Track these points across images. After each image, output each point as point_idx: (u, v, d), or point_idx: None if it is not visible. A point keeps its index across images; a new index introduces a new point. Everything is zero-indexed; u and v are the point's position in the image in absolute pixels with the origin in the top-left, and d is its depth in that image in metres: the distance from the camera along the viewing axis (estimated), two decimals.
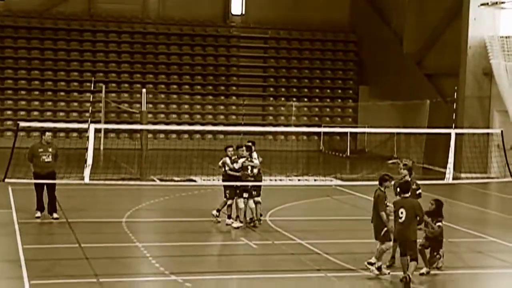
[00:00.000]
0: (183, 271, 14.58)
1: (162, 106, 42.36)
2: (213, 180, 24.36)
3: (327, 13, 45.03)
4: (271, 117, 43.15)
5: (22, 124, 20.12)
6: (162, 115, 41.93)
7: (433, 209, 15.08)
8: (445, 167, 19.81)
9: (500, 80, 30.88)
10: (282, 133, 41.69)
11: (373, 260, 14.52)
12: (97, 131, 23.71)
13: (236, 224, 18.87)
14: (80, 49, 42.87)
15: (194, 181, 26.49)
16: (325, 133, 41.49)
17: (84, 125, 20.19)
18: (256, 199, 19.27)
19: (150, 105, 39.90)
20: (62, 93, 41.64)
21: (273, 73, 44.64)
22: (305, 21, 44.95)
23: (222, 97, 43.26)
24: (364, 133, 40.84)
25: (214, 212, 19.41)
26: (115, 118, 40.58)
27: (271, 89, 44.27)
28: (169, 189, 24.57)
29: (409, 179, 15.22)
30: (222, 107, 43.02)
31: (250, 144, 19.60)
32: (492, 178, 29.16)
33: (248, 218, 19.37)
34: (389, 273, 14.56)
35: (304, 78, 44.66)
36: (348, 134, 39.72)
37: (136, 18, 44.14)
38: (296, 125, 41.07)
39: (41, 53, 42.27)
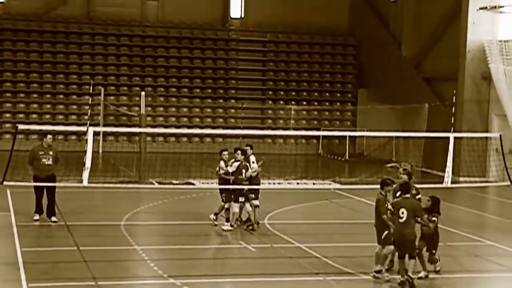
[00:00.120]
0: (182, 274, 14.58)
1: (161, 109, 42.36)
2: (212, 183, 24.36)
3: (326, 16, 45.06)
4: (270, 121, 43.16)
5: (21, 126, 20.14)
6: (161, 118, 41.94)
7: (429, 206, 15.07)
8: (444, 171, 19.81)
9: (499, 84, 30.89)
10: (281, 136, 41.70)
11: (378, 267, 14.49)
12: (95, 134, 23.68)
13: (226, 227, 18.86)
14: (79, 52, 42.88)
15: (193, 184, 26.48)
16: (324, 136, 41.52)
17: (83, 128, 20.23)
18: (254, 202, 19.30)
19: (149, 108, 39.91)
20: (61, 96, 41.63)
21: (272, 77, 44.66)
22: (304, 24, 44.99)
23: (221, 101, 43.27)
24: (363, 136, 40.91)
25: (212, 216, 19.42)
26: (114, 121, 40.57)
27: (270, 92, 44.29)
28: (168, 192, 24.57)
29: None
30: (221, 110, 43.02)
31: (247, 147, 19.62)
32: (491, 182, 29.18)
33: (244, 221, 19.42)
34: (387, 276, 14.54)
35: (303, 81, 44.67)
36: (347, 137, 39.73)
37: (135, 21, 44.16)
38: (295, 129, 41.07)
39: (40, 56, 42.28)
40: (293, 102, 43.36)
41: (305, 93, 44.38)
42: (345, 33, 46.04)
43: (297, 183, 28.25)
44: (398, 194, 14.68)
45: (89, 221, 19.96)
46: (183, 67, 43.66)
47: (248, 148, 19.72)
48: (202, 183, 26.45)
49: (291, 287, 14.37)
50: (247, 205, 18.95)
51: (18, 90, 41.25)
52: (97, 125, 36.54)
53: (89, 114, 29.40)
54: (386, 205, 14.58)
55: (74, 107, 41.36)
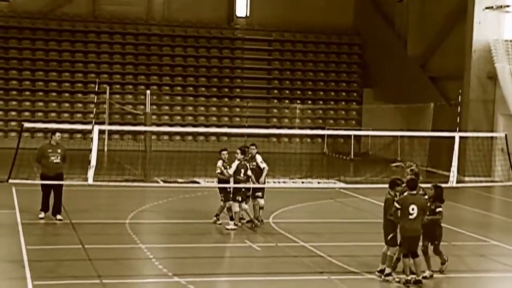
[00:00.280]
0: (186, 272, 14.58)
1: (166, 107, 42.40)
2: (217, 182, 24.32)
3: (331, 15, 45.06)
4: (275, 119, 43.17)
5: (27, 125, 20.17)
6: (166, 117, 41.98)
7: (432, 195, 15.01)
8: (449, 171, 19.78)
9: (505, 84, 30.86)
10: (286, 135, 41.72)
11: (388, 270, 14.44)
12: (101, 132, 23.69)
13: (230, 226, 18.88)
14: (85, 50, 42.94)
15: (198, 182, 26.49)
16: (329, 135, 41.52)
17: (88, 126, 20.17)
18: (260, 201, 19.36)
19: (154, 107, 39.94)
20: (67, 94, 41.70)
21: (277, 76, 44.66)
22: (309, 23, 44.97)
23: (226, 99, 43.29)
24: (368, 135, 40.89)
25: (213, 218, 19.48)
26: (119, 120, 40.62)
27: (275, 91, 44.30)
28: (173, 190, 24.59)
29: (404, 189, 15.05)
30: (226, 109, 43.04)
31: (252, 147, 19.64)
32: (496, 181, 29.15)
33: (247, 220, 19.47)
34: (396, 278, 14.49)
35: (308, 80, 44.67)
36: (352, 136, 39.73)
37: (140, 20, 44.19)
38: (300, 128, 41.08)
39: (45, 54, 42.35)
40: (298, 101, 43.37)
41: (310, 92, 44.38)
42: (350, 32, 46.03)
43: (302, 182, 28.25)
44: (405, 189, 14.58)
45: (94, 219, 19.98)
46: (188, 66, 43.69)
47: (253, 147, 19.74)
48: (207, 181, 26.45)
49: (296, 286, 14.36)
50: (243, 204, 18.93)
51: (24, 88, 41.32)
52: (103, 123, 36.53)
53: (94, 112, 29.38)
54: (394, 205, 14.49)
55: (80, 105, 41.43)
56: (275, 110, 43.64)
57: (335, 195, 25.37)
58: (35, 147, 20.84)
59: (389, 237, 14.42)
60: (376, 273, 14.68)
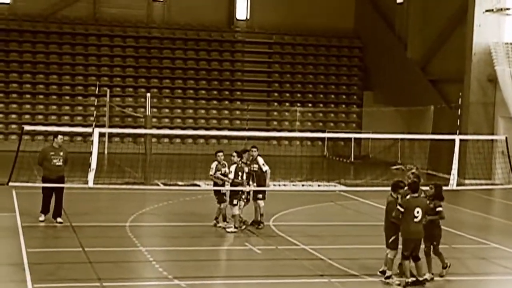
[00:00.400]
0: (187, 275, 14.59)
1: (167, 110, 42.40)
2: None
3: (331, 18, 45.08)
4: (275, 122, 43.17)
5: (27, 127, 20.15)
6: (167, 120, 41.98)
7: (432, 193, 15.01)
8: (449, 173, 19.80)
9: (505, 87, 30.86)
10: (286, 138, 41.72)
11: (388, 273, 14.45)
12: (101, 135, 23.71)
13: (231, 229, 18.88)
14: (85, 53, 42.95)
15: (198, 185, 26.48)
16: (329, 138, 41.51)
17: (89, 129, 20.23)
18: (260, 203, 19.43)
19: (155, 110, 39.93)
20: (67, 97, 41.70)
21: (277, 78, 44.67)
22: (309, 26, 44.99)
23: (227, 102, 43.29)
24: (368, 138, 40.85)
25: (214, 221, 19.52)
26: (120, 123, 40.61)
27: (276, 94, 44.30)
28: (173, 193, 24.59)
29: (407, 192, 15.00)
30: (226, 112, 43.04)
31: (253, 149, 19.69)
32: (496, 184, 29.13)
33: (251, 222, 19.55)
34: (397, 280, 14.50)
35: (309, 83, 44.68)
36: (352, 139, 39.72)
37: (141, 23, 44.21)
38: (300, 131, 41.06)
39: (46, 57, 42.36)
40: (298, 104, 43.36)
41: (310, 95, 44.38)
42: (350, 35, 46.05)
43: (302, 185, 28.24)
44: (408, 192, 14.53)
45: (94, 222, 19.98)
46: (188, 69, 43.70)
47: (255, 149, 19.80)
48: (207, 184, 26.40)
49: None
50: (236, 208, 18.95)
51: (24, 91, 41.33)
52: (103, 126, 36.55)
53: (94, 115, 29.28)
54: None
55: (80, 108, 41.42)
56: (275, 113, 43.65)
57: (336, 198, 25.37)
58: (35, 150, 20.84)
59: (390, 240, 14.43)
60: (378, 273, 14.69)
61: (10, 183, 17.67)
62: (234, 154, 19.10)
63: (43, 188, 19.26)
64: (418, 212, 14.11)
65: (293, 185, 28.18)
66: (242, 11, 45.12)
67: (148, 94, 30.27)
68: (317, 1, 44.70)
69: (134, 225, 19.62)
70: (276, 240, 18.32)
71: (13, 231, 18.18)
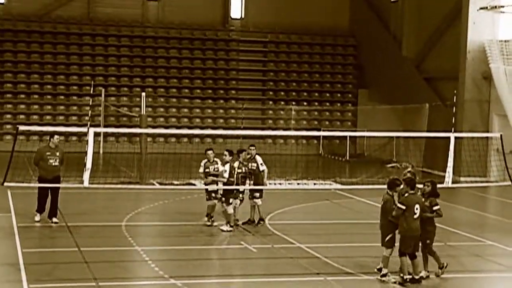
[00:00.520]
0: (183, 275, 14.59)
1: (162, 109, 42.38)
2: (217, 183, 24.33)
3: (326, 17, 45.10)
4: (270, 121, 43.17)
5: (22, 128, 20.10)
6: (162, 119, 41.96)
7: (429, 191, 15.02)
8: (445, 171, 19.81)
9: (500, 84, 30.90)
10: (281, 137, 41.72)
11: (384, 270, 14.45)
12: (96, 134, 23.69)
13: (226, 228, 18.88)
14: (80, 52, 42.90)
15: (194, 184, 26.45)
16: (324, 137, 41.52)
17: (84, 129, 20.25)
18: (258, 202, 19.58)
19: (150, 109, 39.92)
20: (62, 97, 41.66)
21: (272, 77, 44.67)
22: (304, 25, 45.00)
23: (222, 101, 43.28)
24: (363, 137, 40.90)
25: (205, 219, 19.58)
26: (115, 122, 40.59)
27: (271, 93, 44.31)
28: (169, 192, 24.59)
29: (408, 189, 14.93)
30: (221, 111, 43.03)
31: (252, 147, 19.74)
32: (491, 182, 29.17)
33: (247, 221, 19.59)
34: (393, 278, 14.49)
35: (304, 82, 44.69)
36: (348, 138, 39.72)
37: (135, 22, 44.17)
38: (295, 129, 41.08)
39: (40, 57, 42.30)
40: (293, 103, 43.37)
41: (305, 94, 44.40)
42: (345, 33, 46.07)
43: (298, 184, 28.26)
44: (406, 188, 14.51)
45: (90, 222, 19.96)
46: (183, 68, 43.68)
47: (253, 147, 19.87)
48: (203, 183, 26.41)
49: (292, 287, 14.36)
50: (226, 206, 18.96)
51: (19, 91, 41.27)
52: (98, 126, 36.55)
53: (89, 115, 29.42)
54: (393, 206, 14.43)
55: (75, 108, 41.38)
56: (270, 112, 43.65)
57: (331, 196, 25.38)
58: (30, 150, 20.83)
59: (387, 238, 14.40)
60: (376, 270, 14.69)
61: (5, 183, 17.63)
62: (226, 153, 19.06)
63: (39, 187, 19.24)
64: (417, 209, 14.17)
65: (289, 183, 28.21)
66: (236, 10, 45.11)
67: (143, 94, 30.24)
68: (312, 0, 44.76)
69: (130, 224, 19.61)
70: (271, 238, 18.33)
71: (8, 231, 18.17)
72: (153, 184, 26.53)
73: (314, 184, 28.45)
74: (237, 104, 42.99)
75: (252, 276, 14.92)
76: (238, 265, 16.23)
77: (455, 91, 32.25)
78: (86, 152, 17.35)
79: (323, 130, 40.61)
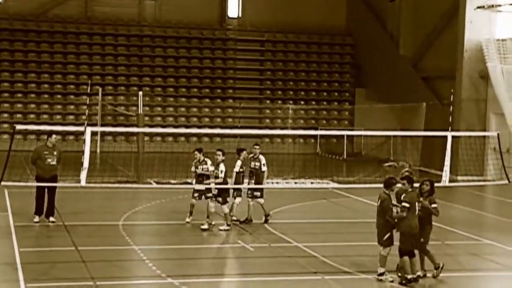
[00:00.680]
0: (180, 273, 14.58)
1: (159, 109, 42.38)
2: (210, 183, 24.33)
3: (323, 16, 45.13)
4: (268, 120, 43.19)
5: (19, 127, 20.11)
6: (159, 118, 41.96)
7: (428, 190, 15.00)
8: (442, 170, 19.81)
9: (497, 83, 30.93)
10: (278, 136, 41.73)
11: (380, 270, 14.42)
12: (93, 134, 23.72)
13: (223, 227, 18.88)
14: (77, 52, 42.88)
15: (191, 184, 26.42)
16: (321, 135, 41.58)
17: (81, 128, 20.17)
18: (260, 201, 19.77)
19: (147, 108, 39.91)
20: (59, 96, 41.64)
21: (269, 76, 44.69)
22: (301, 24, 45.02)
23: (219, 100, 43.29)
24: (360, 135, 40.93)
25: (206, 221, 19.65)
26: (112, 121, 40.57)
27: (268, 92, 44.32)
28: (166, 192, 24.58)
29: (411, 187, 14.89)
30: (218, 110, 43.04)
31: (256, 147, 19.79)
32: (489, 180, 29.19)
33: (244, 220, 19.62)
34: (390, 277, 14.48)
35: (301, 81, 44.71)
36: (345, 136, 39.78)
37: (132, 21, 44.16)
38: (292, 128, 41.11)
39: (37, 56, 42.28)
40: (290, 102, 43.40)
41: (302, 93, 44.42)
42: (342, 32, 46.09)
43: (295, 183, 28.27)
44: (406, 185, 14.49)
45: (87, 221, 19.95)
46: (180, 67, 43.68)
47: (257, 147, 19.94)
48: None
49: (290, 286, 14.37)
50: (224, 206, 18.95)
51: (16, 90, 41.24)
52: (95, 125, 36.52)
53: (86, 114, 29.17)
54: (391, 204, 14.40)
55: (72, 107, 41.36)
56: (267, 111, 43.66)
57: (328, 195, 25.39)
58: (27, 149, 20.80)
59: (385, 237, 14.35)
60: (388, 277, 14.57)
61: (2, 183, 17.60)
62: (219, 153, 19.01)
63: (37, 187, 19.21)
64: (417, 207, 14.22)
65: (286, 182, 28.22)
66: (233, 9, 45.12)
67: (140, 93, 30.24)
68: None
69: (127, 223, 19.60)
70: (269, 237, 18.33)
71: (5, 231, 18.15)
72: (150, 183, 26.52)
73: (312, 183, 28.46)
74: (234, 103, 43.00)
75: (249, 275, 14.92)
76: (235, 264, 16.23)
77: (452, 90, 32.24)
78: (83, 151, 17.34)
79: (321, 129, 40.63)
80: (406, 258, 14.16)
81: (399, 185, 14.64)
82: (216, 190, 18.84)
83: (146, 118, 37.32)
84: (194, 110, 42.77)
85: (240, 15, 45.20)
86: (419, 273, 14.59)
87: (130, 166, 30.24)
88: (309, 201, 24.24)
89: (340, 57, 45.87)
